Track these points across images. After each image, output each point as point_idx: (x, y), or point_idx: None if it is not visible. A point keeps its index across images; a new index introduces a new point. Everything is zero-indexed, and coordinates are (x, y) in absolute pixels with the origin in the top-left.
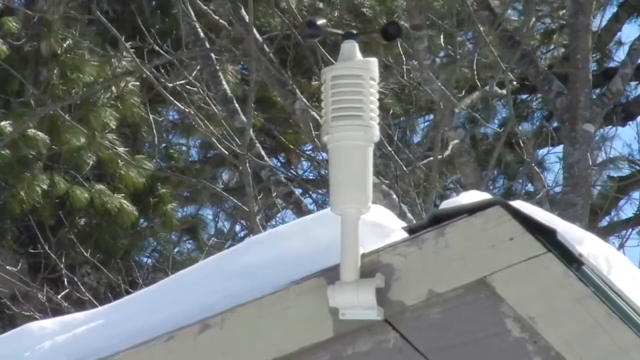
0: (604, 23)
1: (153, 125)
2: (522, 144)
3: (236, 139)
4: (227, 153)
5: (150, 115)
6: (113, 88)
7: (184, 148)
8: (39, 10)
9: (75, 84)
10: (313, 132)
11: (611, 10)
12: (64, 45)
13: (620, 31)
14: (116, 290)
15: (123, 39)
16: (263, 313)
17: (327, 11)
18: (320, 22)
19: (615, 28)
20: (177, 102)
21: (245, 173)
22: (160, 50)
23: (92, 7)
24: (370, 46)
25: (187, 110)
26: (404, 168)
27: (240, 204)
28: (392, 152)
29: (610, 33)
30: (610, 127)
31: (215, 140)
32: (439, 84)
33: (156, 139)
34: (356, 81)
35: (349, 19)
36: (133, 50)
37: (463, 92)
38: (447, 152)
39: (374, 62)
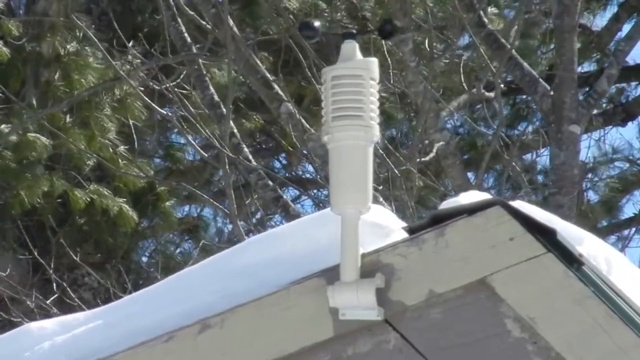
0: (604, 23)
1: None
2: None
3: (218, 142)
4: (208, 156)
5: (162, 110)
6: (116, 90)
7: (185, 147)
8: (41, 11)
9: (79, 84)
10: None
11: (611, 10)
12: (67, 47)
13: (621, 31)
14: (116, 290)
15: (120, 40)
16: (263, 313)
17: (326, 14)
18: (317, 24)
19: (615, 28)
20: (157, 108)
21: (226, 174)
22: (158, 52)
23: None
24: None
25: (169, 114)
26: (396, 171)
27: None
28: (384, 154)
29: (610, 33)
30: (611, 127)
31: (194, 144)
32: (419, 88)
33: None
34: (356, 81)
35: (348, 21)
36: (130, 51)
37: (443, 91)
38: (432, 155)
39: (374, 62)
